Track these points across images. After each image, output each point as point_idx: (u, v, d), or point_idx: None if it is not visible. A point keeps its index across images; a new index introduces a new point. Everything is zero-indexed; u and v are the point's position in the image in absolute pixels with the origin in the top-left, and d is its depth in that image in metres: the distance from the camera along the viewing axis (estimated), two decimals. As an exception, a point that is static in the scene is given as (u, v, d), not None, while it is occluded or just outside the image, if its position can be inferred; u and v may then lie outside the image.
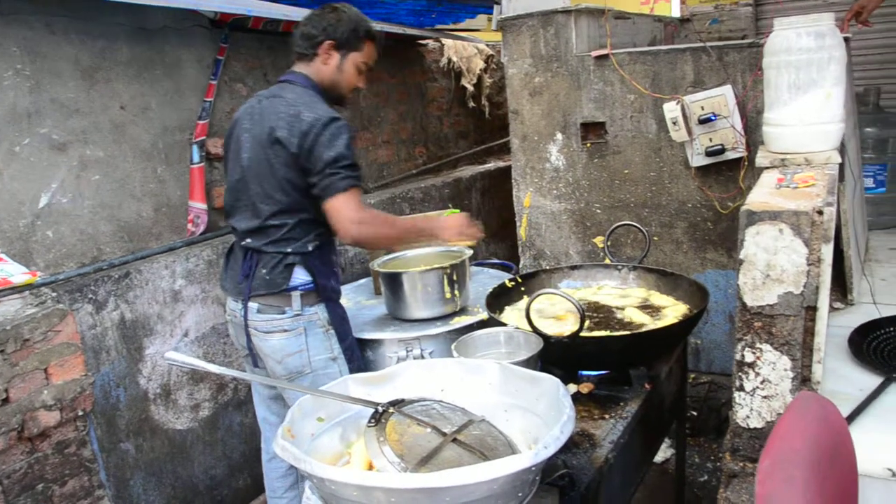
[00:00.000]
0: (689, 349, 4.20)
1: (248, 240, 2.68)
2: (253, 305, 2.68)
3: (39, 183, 3.08)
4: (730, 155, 3.70)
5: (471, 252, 3.28)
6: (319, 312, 2.70)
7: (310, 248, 2.65)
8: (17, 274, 2.69)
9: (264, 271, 2.64)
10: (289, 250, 2.62)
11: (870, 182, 4.22)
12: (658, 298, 2.78)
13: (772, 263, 1.95)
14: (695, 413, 4.19)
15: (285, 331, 2.67)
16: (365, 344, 3.07)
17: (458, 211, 3.88)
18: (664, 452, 3.99)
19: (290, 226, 2.62)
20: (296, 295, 2.65)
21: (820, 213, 1.89)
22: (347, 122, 2.61)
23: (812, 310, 1.96)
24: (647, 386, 2.39)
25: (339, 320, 2.76)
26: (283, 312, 2.66)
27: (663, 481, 3.80)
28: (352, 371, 2.76)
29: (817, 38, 2.43)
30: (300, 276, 2.65)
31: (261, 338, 2.71)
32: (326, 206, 2.55)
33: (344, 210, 2.54)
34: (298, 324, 2.67)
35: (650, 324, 2.53)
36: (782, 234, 1.92)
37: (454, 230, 2.85)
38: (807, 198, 2.02)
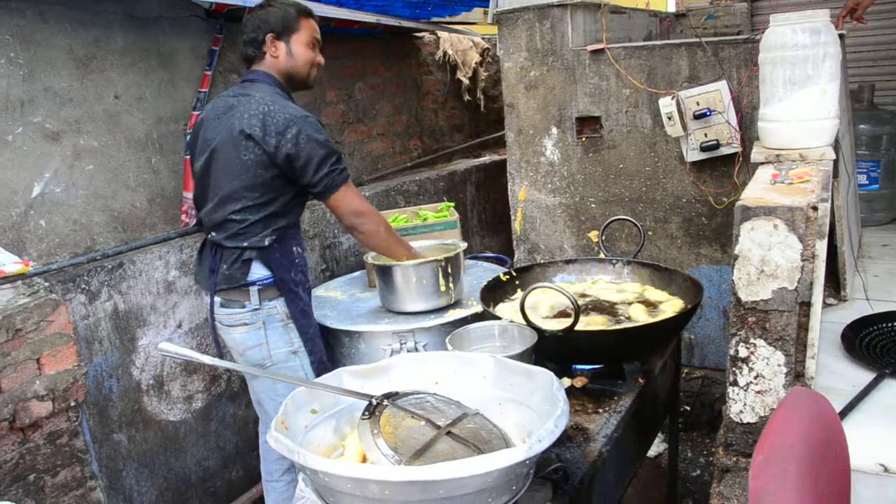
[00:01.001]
0: (683, 344, 4.20)
1: (213, 233, 2.77)
2: (217, 299, 2.79)
3: (33, 172, 3.06)
4: (724, 150, 3.71)
5: (464, 245, 3.29)
6: (279, 306, 2.78)
7: (266, 243, 2.72)
8: (10, 263, 2.68)
9: (224, 266, 2.73)
10: (245, 245, 2.70)
11: (863, 179, 4.23)
12: (653, 293, 2.78)
13: (766, 259, 1.95)
14: (688, 408, 4.20)
15: (246, 324, 2.77)
16: (359, 336, 3.07)
17: (452, 205, 3.89)
18: (657, 447, 4.00)
19: (251, 221, 2.69)
20: (254, 290, 2.74)
21: (814, 208, 1.89)
22: (316, 115, 2.74)
23: (806, 305, 1.96)
24: (640, 380, 2.39)
25: (299, 313, 2.82)
26: (244, 306, 2.76)
27: (656, 475, 3.81)
28: (313, 364, 2.86)
29: (813, 34, 2.43)
30: (258, 270, 2.74)
31: (225, 331, 2.82)
32: (332, 199, 2.72)
33: (348, 202, 2.75)
34: (258, 318, 2.76)
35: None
36: (777, 230, 1.92)
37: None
38: (801, 194, 2.03)
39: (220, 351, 2.91)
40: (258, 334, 2.77)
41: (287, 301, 2.78)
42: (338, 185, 2.70)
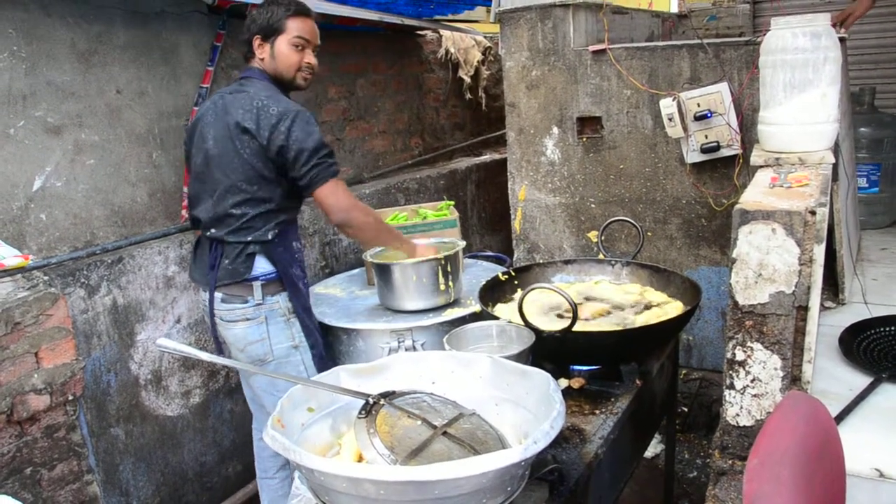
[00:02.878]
0: (681, 345, 4.21)
1: (212, 230, 2.76)
2: (218, 295, 2.78)
3: (33, 166, 3.07)
4: (725, 152, 3.71)
5: (464, 243, 3.29)
6: (281, 301, 2.79)
7: (270, 237, 2.73)
8: (10, 257, 2.69)
9: (227, 261, 2.73)
10: (249, 239, 2.71)
11: (863, 182, 4.23)
12: (652, 294, 2.78)
13: (764, 263, 1.96)
14: (685, 409, 4.21)
15: (247, 319, 2.76)
16: (357, 334, 3.07)
17: (452, 203, 3.89)
18: (654, 448, 4.01)
19: (252, 215, 2.70)
20: (257, 284, 2.74)
21: (813, 213, 1.89)
22: (310, 112, 2.73)
23: (803, 309, 1.97)
24: (637, 382, 2.39)
25: (301, 308, 2.83)
26: (246, 301, 2.75)
27: (653, 477, 3.82)
28: (314, 358, 2.87)
29: (813, 38, 2.44)
30: (262, 265, 2.75)
31: (225, 326, 2.81)
32: (317, 194, 2.69)
33: (334, 196, 2.70)
34: (260, 312, 2.76)
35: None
36: (775, 234, 1.92)
37: (420, 251, 3.08)
38: (800, 197, 2.03)
39: (220, 347, 2.91)
40: (260, 329, 2.77)
41: (290, 295, 2.79)
42: (323, 178, 2.66)
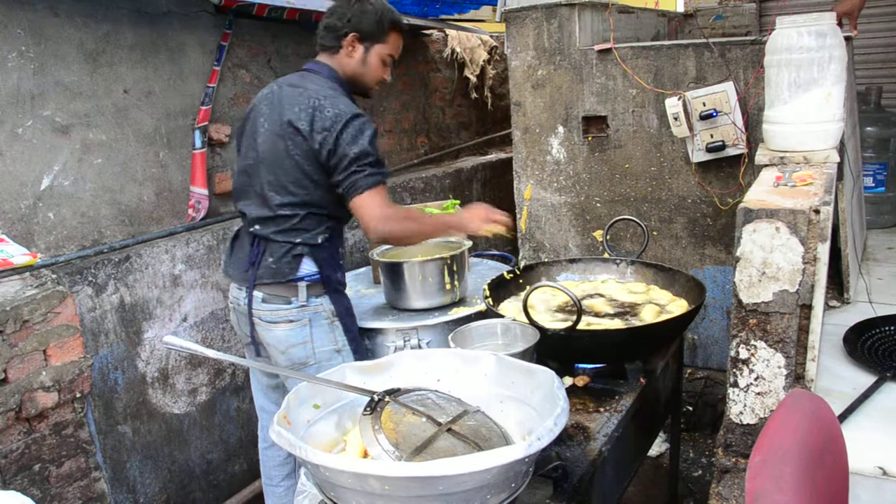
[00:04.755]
0: (687, 344, 4.21)
1: (257, 226, 2.65)
2: (258, 294, 2.66)
3: (42, 165, 3.09)
4: (730, 151, 3.71)
5: (469, 243, 3.28)
6: (325, 304, 2.68)
7: (319, 241, 2.63)
8: (18, 255, 2.70)
9: (271, 260, 2.62)
10: (298, 240, 2.60)
11: (869, 181, 4.22)
12: (657, 293, 2.79)
13: (768, 261, 1.96)
14: (690, 408, 4.21)
15: (290, 321, 2.65)
16: (363, 333, 3.07)
17: (458, 202, 3.89)
18: (659, 447, 4.01)
19: (301, 216, 2.59)
20: (302, 285, 2.63)
21: (817, 211, 1.90)
22: (369, 118, 2.59)
23: (807, 308, 1.97)
24: (641, 380, 2.41)
25: (344, 312, 2.74)
26: (289, 303, 2.64)
27: (657, 475, 3.82)
28: None
29: (818, 37, 2.44)
30: (307, 266, 2.63)
31: (265, 327, 2.69)
32: (352, 205, 2.54)
33: (369, 208, 2.51)
34: (304, 314, 2.65)
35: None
36: (779, 233, 1.93)
37: (480, 219, 2.74)
38: (804, 196, 2.03)
39: (257, 348, 2.78)
40: (303, 331, 2.66)
41: (333, 299, 2.69)
42: (362, 187, 2.49)
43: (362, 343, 2.85)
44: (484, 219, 2.74)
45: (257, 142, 2.64)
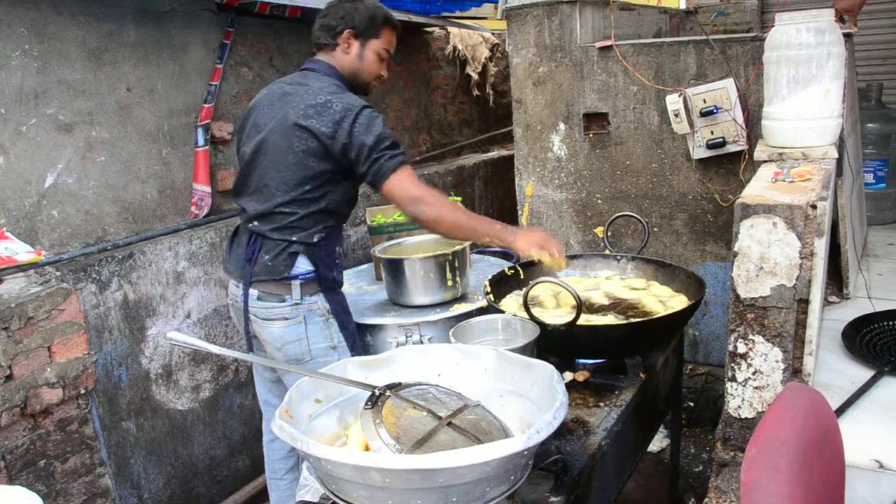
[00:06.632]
0: (688, 340, 4.23)
1: (255, 223, 2.67)
2: (253, 292, 2.69)
3: (45, 163, 3.11)
4: (731, 148, 3.72)
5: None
6: (319, 301, 2.70)
7: (315, 240, 2.65)
8: (22, 252, 2.72)
9: (266, 257, 2.64)
10: (294, 238, 2.62)
11: (870, 178, 4.23)
12: (657, 289, 2.80)
13: (765, 256, 1.98)
14: (692, 404, 4.23)
15: (285, 319, 2.67)
16: (365, 329, 3.10)
17: (459, 199, 3.91)
18: (660, 442, 4.02)
19: (300, 215, 2.60)
20: (296, 284, 2.65)
21: (814, 207, 1.91)
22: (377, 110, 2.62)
23: (804, 302, 1.99)
24: (641, 375, 2.42)
25: (339, 309, 2.76)
26: (283, 300, 2.66)
27: (658, 471, 3.84)
28: None
29: (817, 33, 2.45)
30: (302, 265, 2.65)
31: (260, 324, 2.72)
32: (384, 191, 2.55)
33: (399, 190, 2.53)
34: (298, 312, 2.67)
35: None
36: (776, 228, 1.94)
37: (532, 242, 2.62)
38: (802, 192, 2.05)
39: (251, 343, 2.82)
40: (298, 329, 2.69)
41: (327, 297, 2.71)
42: (387, 171, 2.51)
43: (359, 339, 2.87)
44: (537, 244, 2.62)
45: (259, 140, 2.65)
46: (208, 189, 3.74)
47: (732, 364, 2.11)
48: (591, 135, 4.17)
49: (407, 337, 3.05)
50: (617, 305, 2.66)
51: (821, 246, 1.93)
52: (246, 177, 2.73)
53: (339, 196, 2.66)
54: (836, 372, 2.33)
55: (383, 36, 2.77)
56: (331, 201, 2.64)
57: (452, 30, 5.90)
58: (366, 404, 1.58)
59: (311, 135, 2.52)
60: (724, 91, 3.66)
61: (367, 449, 1.57)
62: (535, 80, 4.25)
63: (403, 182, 2.53)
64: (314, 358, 2.72)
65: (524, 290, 2.30)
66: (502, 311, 2.38)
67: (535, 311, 2.28)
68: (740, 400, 2.12)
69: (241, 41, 3.95)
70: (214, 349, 1.75)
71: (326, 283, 2.70)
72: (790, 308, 1.98)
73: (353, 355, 2.74)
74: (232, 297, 2.84)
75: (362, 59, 2.76)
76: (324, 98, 2.53)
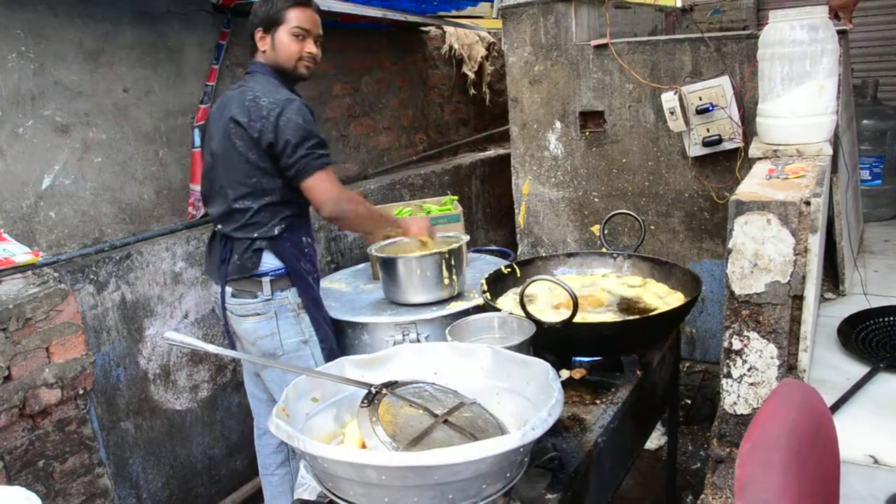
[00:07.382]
0: (685, 338, 4.23)
1: (220, 225, 2.81)
2: (228, 290, 2.81)
3: (42, 164, 3.11)
4: (727, 145, 3.73)
5: (467, 237, 3.31)
6: (290, 297, 2.81)
7: (276, 232, 2.75)
8: (20, 254, 2.72)
9: (236, 256, 2.76)
10: (255, 235, 2.74)
11: (866, 174, 4.24)
12: (654, 287, 2.81)
13: (759, 253, 1.99)
14: (689, 401, 4.23)
15: (258, 314, 2.80)
16: (362, 327, 3.11)
17: (456, 198, 3.92)
18: (658, 440, 4.03)
19: (255, 210, 2.72)
20: (266, 280, 2.77)
21: (807, 203, 1.92)
22: (306, 102, 2.72)
23: (799, 299, 1.99)
24: (638, 372, 2.42)
25: (311, 303, 2.85)
26: (255, 297, 2.79)
27: (656, 468, 3.84)
28: (324, 352, 2.88)
29: (811, 30, 2.46)
30: (269, 261, 2.78)
31: (236, 321, 2.85)
32: (304, 186, 2.68)
33: (321, 188, 2.68)
34: (269, 308, 2.79)
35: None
36: (770, 224, 1.95)
37: (422, 227, 3.12)
38: (796, 189, 2.06)
39: (232, 341, 2.94)
40: (270, 324, 2.80)
41: (299, 291, 2.81)
42: (311, 169, 2.64)
43: (331, 333, 2.95)
44: (424, 228, 3.13)
45: (212, 145, 2.80)
46: (205, 189, 3.73)
47: (728, 361, 2.12)
48: (587, 133, 4.18)
49: (403, 335, 3.06)
50: (618, 303, 2.67)
51: (815, 242, 1.93)
52: (209, 184, 2.87)
53: (287, 186, 2.74)
54: (831, 368, 2.34)
55: (288, 17, 2.78)
56: (280, 190, 2.74)
57: (448, 29, 5.90)
58: (362, 402, 1.59)
59: (244, 130, 2.65)
60: (719, 88, 3.67)
61: (363, 447, 1.57)
62: (531, 78, 4.26)
63: (326, 181, 2.69)
64: (286, 353, 2.84)
65: (520, 287, 2.30)
66: (499, 310, 2.38)
67: (531, 308, 2.28)
68: (736, 396, 2.13)
69: (237, 42, 3.95)
70: (211, 349, 1.75)
71: (297, 275, 2.80)
72: (785, 304, 1.99)
73: (323, 348, 2.88)
74: (214, 296, 2.94)
75: (276, 48, 2.80)
76: (252, 95, 2.65)
